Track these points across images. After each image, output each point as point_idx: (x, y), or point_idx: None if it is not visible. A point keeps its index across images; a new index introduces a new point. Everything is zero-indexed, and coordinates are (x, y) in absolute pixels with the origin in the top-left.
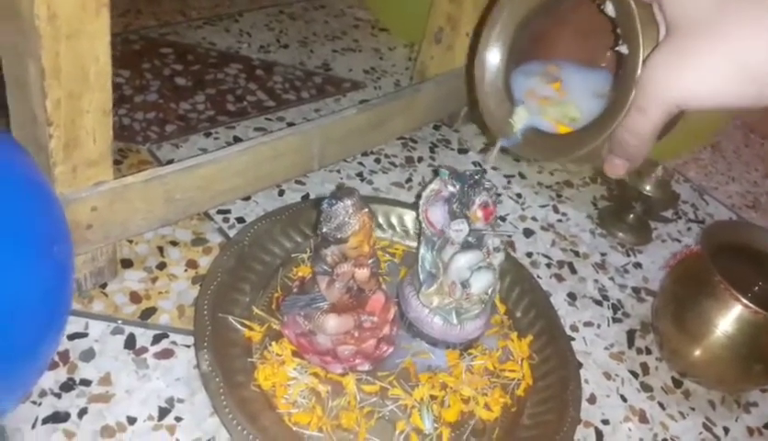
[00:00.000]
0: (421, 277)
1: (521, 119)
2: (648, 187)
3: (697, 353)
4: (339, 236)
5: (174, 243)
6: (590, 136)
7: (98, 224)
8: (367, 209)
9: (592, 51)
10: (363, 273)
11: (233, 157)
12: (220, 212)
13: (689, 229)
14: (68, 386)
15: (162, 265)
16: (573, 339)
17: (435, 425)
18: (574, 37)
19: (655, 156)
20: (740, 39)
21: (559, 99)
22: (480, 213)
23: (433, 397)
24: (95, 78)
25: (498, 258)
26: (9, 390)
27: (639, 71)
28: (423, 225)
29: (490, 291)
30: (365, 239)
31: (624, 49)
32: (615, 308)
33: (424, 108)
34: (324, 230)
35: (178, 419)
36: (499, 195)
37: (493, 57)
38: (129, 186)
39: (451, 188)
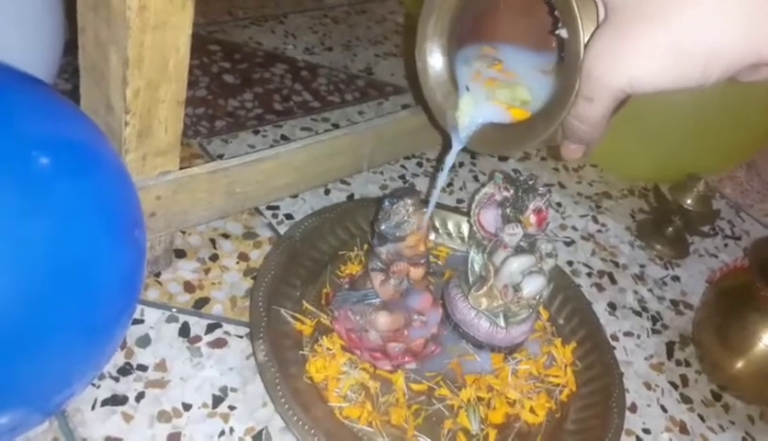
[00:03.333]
0: (470, 279)
1: (467, 110)
2: (689, 201)
3: (739, 366)
4: (397, 234)
5: (225, 236)
6: (540, 126)
7: (161, 213)
8: (426, 209)
9: (536, 30)
10: (418, 272)
11: (292, 154)
12: (269, 208)
13: (725, 245)
14: (126, 370)
15: (214, 257)
16: (614, 348)
17: (482, 426)
18: (515, 16)
19: (698, 171)
20: (680, 20)
21: (506, 80)
22: (533, 218)
23: (479, 398)
24: (173, 69)
25: (549, 263)
26: (85, 372)
27: (582, 56)
28: (475, 228)
29: (538, 296)
30: (421, 238)
31: (564, 33)
32: (654, 319)
33: None
34: (383, 227)
35: (232, 407)
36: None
37: (434, 48)
38: (194, 177)
39: (504, 193)
